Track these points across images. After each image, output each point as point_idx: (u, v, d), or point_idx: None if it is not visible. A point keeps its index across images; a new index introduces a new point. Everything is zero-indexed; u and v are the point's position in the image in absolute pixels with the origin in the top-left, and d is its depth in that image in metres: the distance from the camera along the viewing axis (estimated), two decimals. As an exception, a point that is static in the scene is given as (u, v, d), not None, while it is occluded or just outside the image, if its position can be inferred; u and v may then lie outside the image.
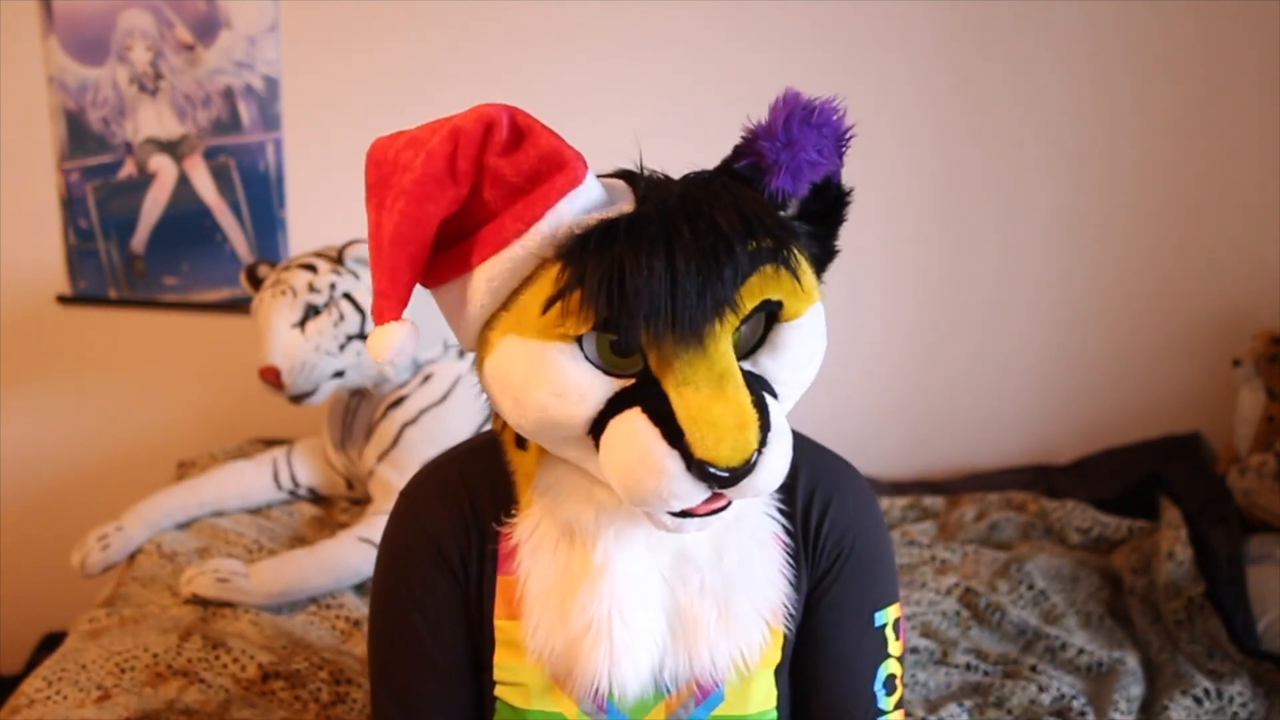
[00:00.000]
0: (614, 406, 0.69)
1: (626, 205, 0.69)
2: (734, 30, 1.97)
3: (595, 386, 0.69)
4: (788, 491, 0.85)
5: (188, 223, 2.05)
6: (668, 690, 0.79)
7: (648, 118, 1.97)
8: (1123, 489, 1.95)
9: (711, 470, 0.65)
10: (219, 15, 1.96)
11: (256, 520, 1.73)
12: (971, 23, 1.98)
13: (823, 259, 0.78)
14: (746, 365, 0.71)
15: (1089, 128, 2.04)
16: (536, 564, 0.79)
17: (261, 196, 2.04)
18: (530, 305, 0.69)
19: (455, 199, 0.68)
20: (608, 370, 0.69)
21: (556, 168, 0.69)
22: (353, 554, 1.53)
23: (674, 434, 0.66)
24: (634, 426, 0.67)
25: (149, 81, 1.99)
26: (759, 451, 0.66)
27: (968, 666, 1.48)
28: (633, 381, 0.69)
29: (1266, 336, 1.93)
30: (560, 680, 0.80)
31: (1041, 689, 1.39)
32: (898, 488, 2.08)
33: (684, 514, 0.70)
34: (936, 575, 1.70)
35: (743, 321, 0.69)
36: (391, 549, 0.88)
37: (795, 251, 0.70)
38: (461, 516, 0.84)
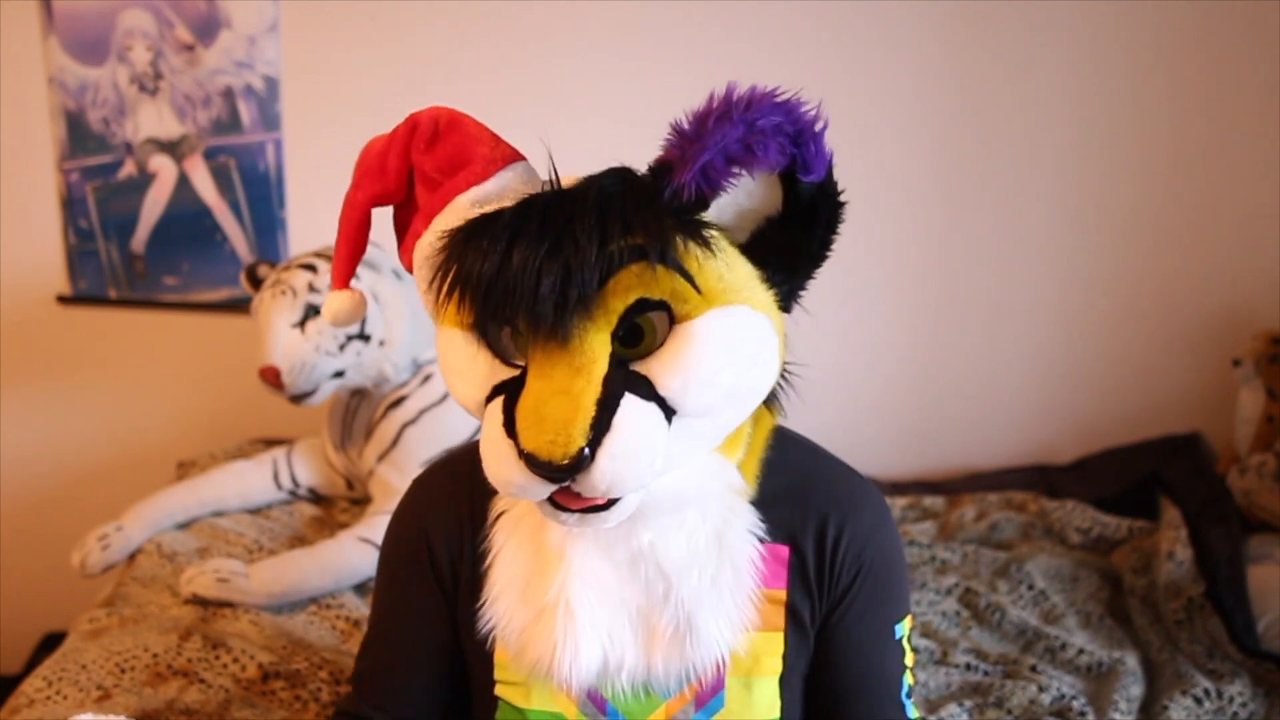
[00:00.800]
0: (495, 392, 0.71)
1: (510, 204, 0.70)
2: (735, 30, 1.97)
3: (483, 372, 0.72)
4: (799, 508, 0.84)
5: (188, 223, 2.05)
6: (625, 690, 0.80)
7: (647, 117, 1.95)
8: (1123, 489, 1.95)
9: (535, 461, 0.66)
10: (219, 15, 1.96)
11: (256, 520, 1.73)
12: (971, 23, 1.98)
13: (799, 262, 0.74)
14: (637, 366, 0.69)
15: (1089, 128, 2.04)
16: (512, 538, 0.81)
17: (261, 196, 2.04)
18: (430, 291, 0.74)
19: (382, 191, 0.77)
20: (507, 359, 0.71)
21: (462, 164, 0.73)
22: (353, 554, 1.53)
23: (513, 423, 0.68)
24: (491, 413, 0.70)
25: (149, 81, 1.99)
26: (589, 449, 0.65)
27: (968, 666, 1.48)
28: (517, 372, 0.71)
29: (1266, 336, 1.93)
30: (513, 656, 0.81)
31: (1041, 689, 1.39)
32: (898, 488, 2.08)
33: (561, 506, 0.70)
34: (936, 575, 1.70)
35: (631, 328, 0.68)
36: (388, 541, 0.92)
37: (682, 249, 0.68)
38: (458, 514, 0.86)
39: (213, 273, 2.08)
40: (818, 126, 0.67)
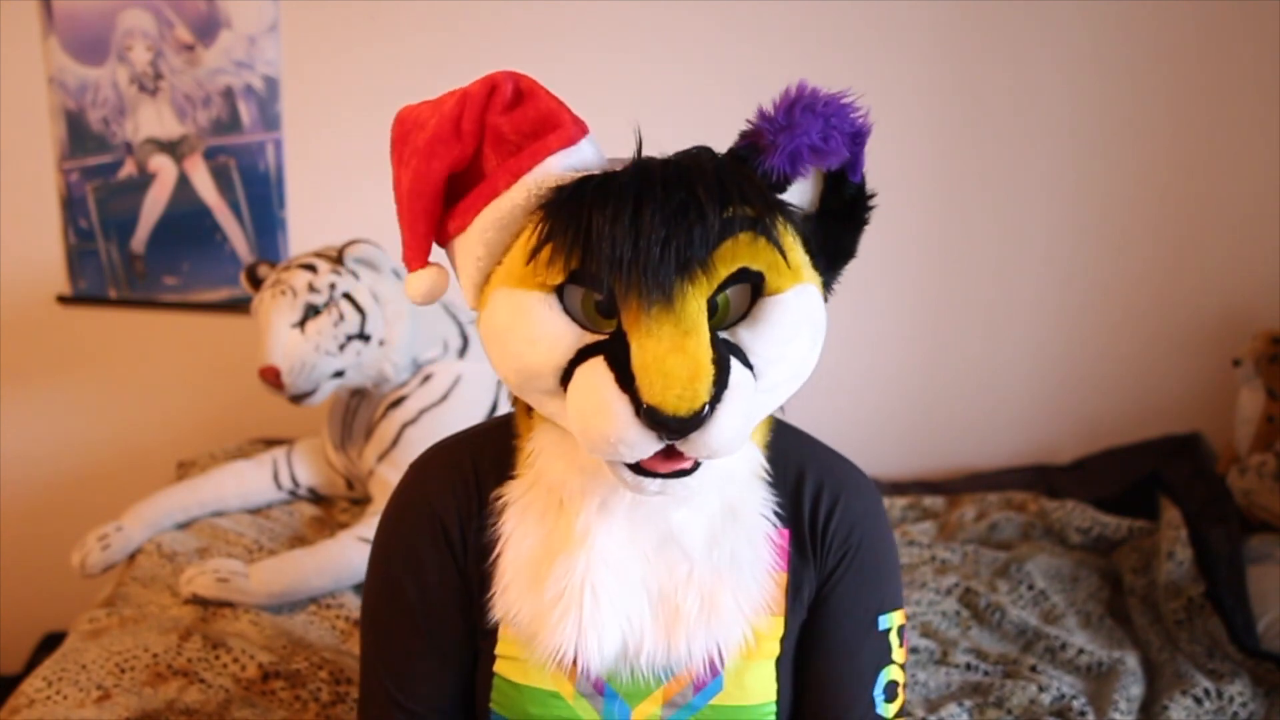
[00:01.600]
0: (582, 356, 0.71)
1: (615, 168, 0.71)
2: (737, 29, 1.97)
3: (566, 336, 0.71)
4: (795, 488, 0.85)
5: (188, 223, 2.05)
6: (645, 674, 0.80)
7: (649, 116, 1.95)
8: (1123, 489, 1.95)
9: (659, 417, 0.66)
10: (219, 15, 1.96)
11: (256, 520, 1.73)
12: (972, 24, 1.98)
13: (835, 257, 0.79)
14: (725, 335, 0.72)
15: (1090, 128, 2.04)
16: (520, 526, 0.81)
17: (261, 196, 2.04)
18: (516, 256, 0.73)
19: (460, 156, 0.73)
20: (585, 325, 0.72)
21: (551, 127, 0.73)
22: (353, 554, 1.53)
23: (627, 379, 0.68)
24: (593, 371, 0.70)
25: (149, 81, 1.99)
26: (710, 406, 0.67)
27: (968, 666, 1.48)
28: (605, 337, 0.71)
29: (1266, 336, 1.93)
30: (521, 646, 0.81)
31: (1041, 689, 1.39)
32: (898, 488, 2.08)
33: (644, 472, 0.70)
34: (936, 575, 1.70)
35: (720, 288, 0.70)
36: (393, 518, 0.90)
37: (780, 225, 0.71)
38: (466, 493, 0.86)
39: (213, 273, 2.08)
40: (868, 133, 0.73)
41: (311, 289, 1.59)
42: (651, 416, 0.66)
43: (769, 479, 0.83)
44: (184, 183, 2.04)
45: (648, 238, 0.66)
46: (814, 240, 0.76)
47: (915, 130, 2.04)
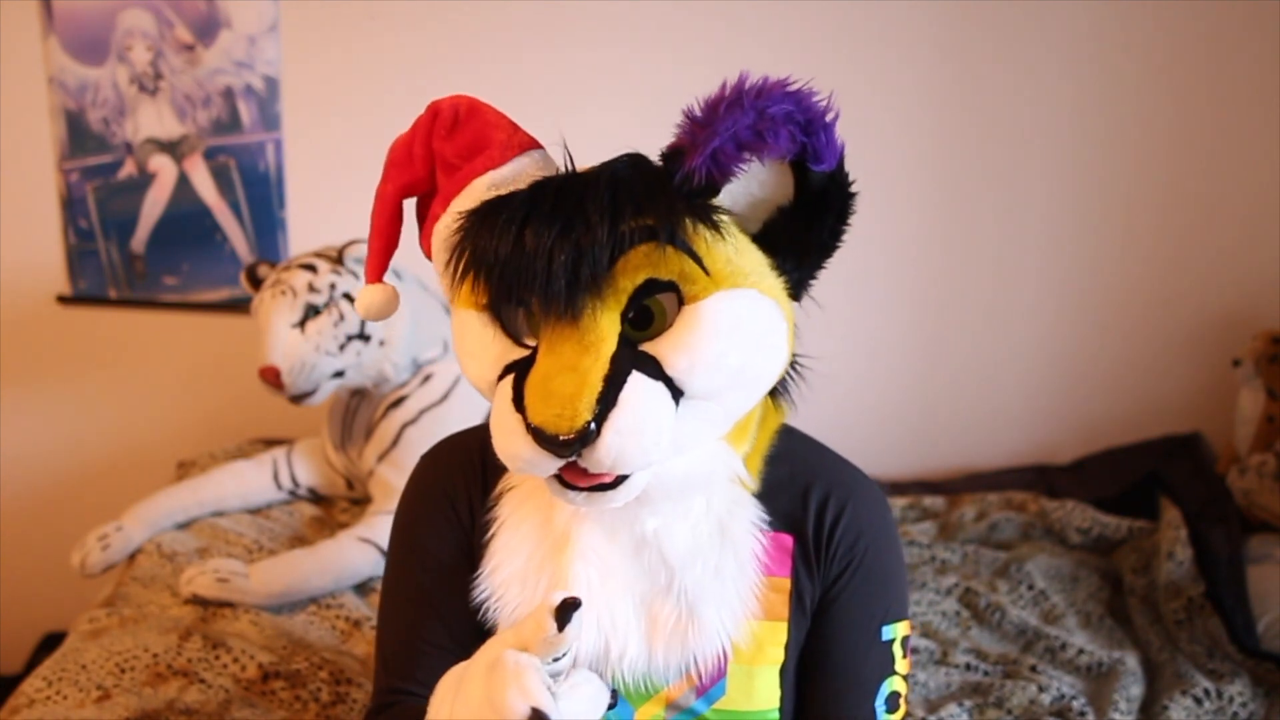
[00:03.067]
0: (506, 371, 0.72)
1: (524, 187, 0.72)
2: (737, 28, 1.97)
3: (494, 351, 0.73)
4: (802, 495, 0.84)
5: (188, 223, 2.05)
6: (625, 679, 0.80)
7: (648, 114, 1.95)
8: (1123, 489, 1.95)
9: (542, 436, 0.66)
10: (219, 15, 1.96)
11: (256, 520, 1.73)
12: (973, 23, 1.98)
13: (808, 252, 0.75)
14: (646, 347, 0.70)
15: (1090, 128, 2.04)
16: (516, 512, 0.82)
17: (261, 196, 2.04)
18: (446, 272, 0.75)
19: (411, 180, 0.78)
20: (519, 340, 0.73)
21: (480, 149, 0.75)
22: (353, 554, 1.53)
23: (521, 399, 0.69)
24: (502, 389, 0.71)
25: (149, 81, 1.99)
26: (595, 424, 0.66)
27: (968, 666, 1.48)
28: (528, 352, 0.72)
29: (1266, 336, 1.93)
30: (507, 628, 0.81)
31: (1041, 689, 1.39)
32: (898, 488, 2.08)
33: (569, 485, 0.70)
34: (936, 575, 1.70)
35: (638, 297, 0.69)
36: (408, 499, 0.92)
37: (689, 231, 0.69)
38: (472, 478, 0.87)
39: (213, 273, 2.08)
40: (829, 117, 0.69)
41: (311, 289, 1.59)
42: (536, 436, 0.67)
43: (765, 487, 0.82)
44: (184, 183, 2.04)
45: (532, 254, 0.66)
46: (782, 235, 0.74)
47: (915, 129, 2.04)
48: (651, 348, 0.70)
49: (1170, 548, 1.65)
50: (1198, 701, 1.38)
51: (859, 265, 2.06)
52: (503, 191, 0.72)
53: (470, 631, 0.87)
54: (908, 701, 0.88)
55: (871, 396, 2.18)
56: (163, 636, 1.37)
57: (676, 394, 0.70)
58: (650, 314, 0.70)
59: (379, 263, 0.81)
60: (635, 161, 0.72)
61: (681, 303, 0.70)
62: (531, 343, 0.72)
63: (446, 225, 0.74)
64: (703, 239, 0.69)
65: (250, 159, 2.02)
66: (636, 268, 0.68)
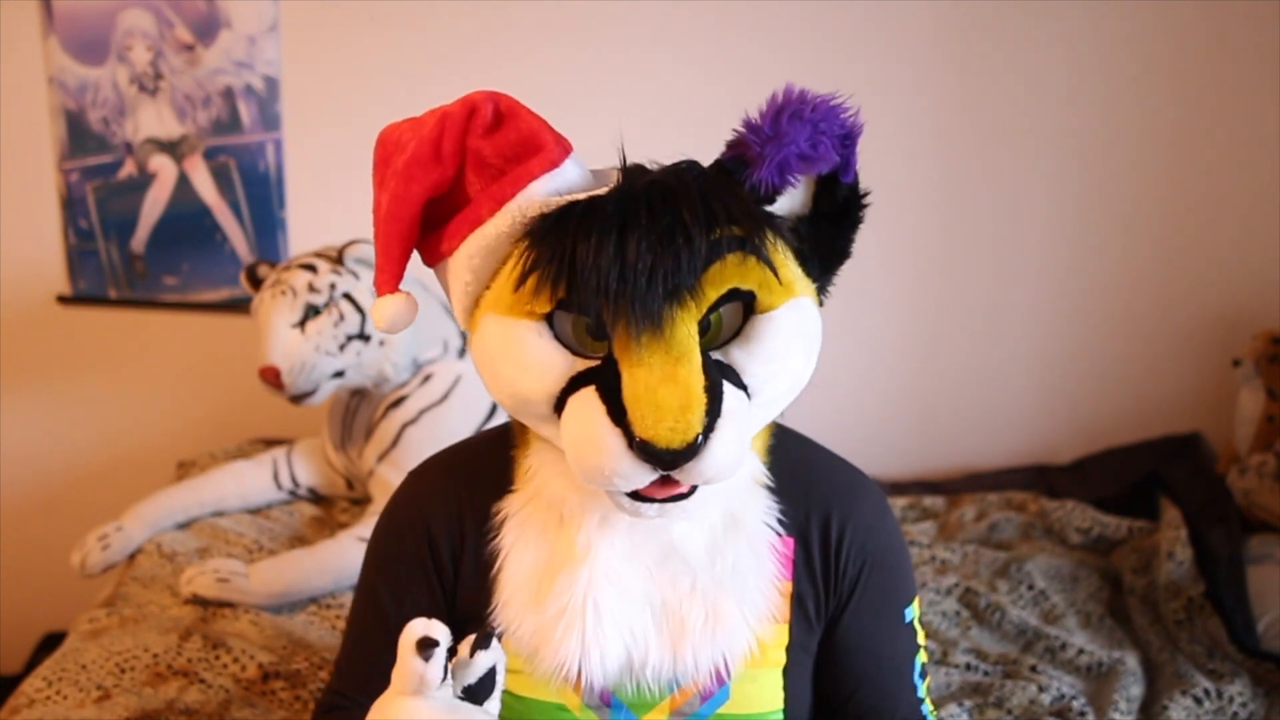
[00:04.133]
0: (574, 384, 0.71)
1: (600, 191, 0.70)
2: (737, 27, 1.97)
3: (558, 364, 0.71)
4: (802, 500, 0.84)
5: (188, 223, 2.05)
6: (651, 686, 0.79)
7: (649, 115, 1.97)
8: (1123, 489, 1.95)
9: (652, 450, 0.66)
10: (219, 15, 1.96)
11: (256, 520, 1.73)
12: (973, 22, 1.98)
13: (830, 259, 0.77)
14: (717, 355, 0.71)
15: (1090, 128, 2.04)
16: (520, 539, 0.80)
17: (261, 196, 2.04)
18: (504, 283, 0.72)
19: (440, 180, 0.72)
20: (576, 351, 0.71)
21: (533, 151, 0.72)
22: (353, 554, 1.53)
23: (619, 412, 0.67)
24: (585, 403, 0.69)
25: (149, 81, 1.99)
26: (703, 435, 0.66)
27: (968, 666, 1.48)
28: (597, 363, 0.70)
29: (1266, 336, 1.93)
30: (523, 661, 0.81)
31: (1041, 689, 1.39)
32: (898, 488, 2.08)
33: (641, 498, 0.70)
34: (936, 575, 1.70)
35: (711, 309, 0.70)
36: (383, 529, 0.91)
37: (770, 242, 0.70)
38: (459, 508, 0.85)
39: (213, 273, 2.08)
40: (859, 130, 0.71)
41: (311, 289, 1.59)
42: (645, 450, 0.66)
43: (771, 485, 0.83)
44: (184, 183, 2.04)
45: (634, 267, 0.66)
46: (807, 244, 0.75)
47: (915, 130, 2.03)
48: (724, 355, 0.71)
49: (1170, 548, 1.65)
50: (1198, 701, 1.38)
51: (859, 265, 2.04)
52: (566, 197, 0.70)
53: None
54: (927, 666, 0.91)
55: (871, 396, 2.18)
56: (163, 636, 1.37)
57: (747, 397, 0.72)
58: (708, 324, 0.71)
59: (397, 270, 0.75)
60: (703, 170, 0.72)
61: (748, 311, 0.71)
62: (588, 351, 0.71)
63: (501, 230, 0.71)
64: (779, 250, 0.71)
65: (250, 159, 2.02)
66: (725, 277, 0.69)
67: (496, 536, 0.82)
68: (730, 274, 0.69)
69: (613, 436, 0.67)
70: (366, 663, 0.89)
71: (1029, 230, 2.10)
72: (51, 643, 2.05)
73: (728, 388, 0.69)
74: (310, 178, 2.04)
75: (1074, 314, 2.14)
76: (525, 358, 0.71)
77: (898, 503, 1.97)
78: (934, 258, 2.12)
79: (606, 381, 0.69)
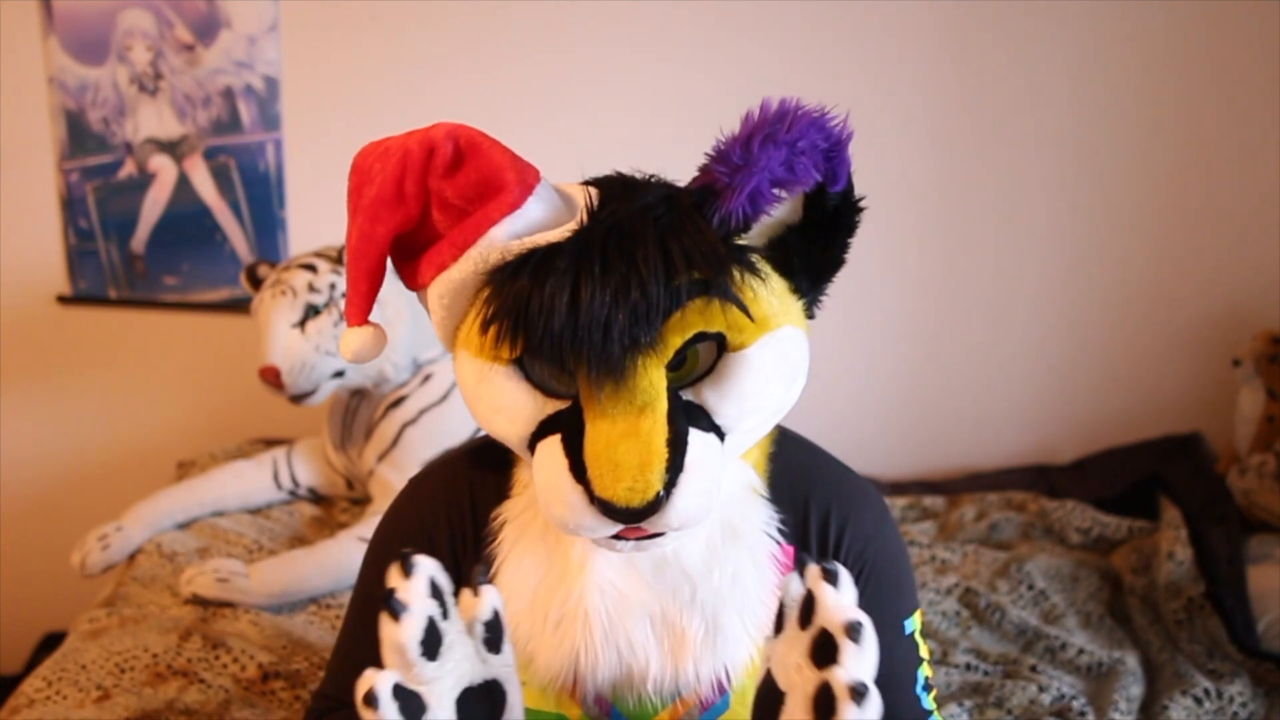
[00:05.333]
0: (544, 429, 0.70)
1: (557, 235, 0.68)
2: (737, 28, 1.97)
3: (528, 407, 0.70)
4: (801, 507, 0.84)
5: (188, 223, 2.05)
6: (651, 699, 0.79)
7: (649, 115, 1.97)
8: (1123, 489, 1.95)
9: (610, 509, 0.65)
10: (219, 15, 1.96)
11: (256, 520, 1.73)
12: (974, 22, 1.98)
13: (822, 269, 0.75)
14: (689, 395, 0.70)
15: (1090, 128, 2.04)
16: (518, 545, 0.80)
17: (261, 196, 2.04)
18: (472, 326, 0.71)
19: (405, 219, 0.71)
20: (548, 391, 0.70)
21: (493, 192, 0.69)
22: (353, 554, 1.53)
23: (580, 468, 0.67)
24: (549, 455, 0.69)
25: (149, 81, 1.99)
26: (665, 492, 0.66)
27: (968, 666, 1.48)
28: (568, 404, 0.69)
29: (1266, 336, 1.93)
30: (522, 666, 0.80)
31: (1041, 689, 1.39)
32: (898, 488, 2.08)
33: (616, 535, 0.69)
34: (936, 575, 1.70)
35: (678, 355, 0.68)
36: (383, 536, 0.90)
37: (737, 282, 0.68)
38: (460, 514, 0.85)
39: (213, 273, 2.08)
40: (847, 139, 0.68)
41: (311, 289, 1.59)
42: (603, 508, 0.66)
43: (770, 495, 0.82)
44: (184, 183, 2.04)
45: (587, 322, 0.64)
46: (796, 255, 0.73)
47: (915, 130, 2.03)
48: (695, 395, 0.70)
49: (1170, 548, 1.65)
50: (1198, 701, 1.38)
51: (859, 265, 2.04)
52: (526, 241, 0.68)
53: None
54: (931, 680, 0.90)
55: (872, 397, 2.18)
56: (163, 636, 1.37)
57: (721, 436, 0.70)
58: (683, 358, 0.69)
59: (365, 304, 0.75)
60: (671, 202, 0.69)
61: (721, 348, 0.69)
62: (562, 390, 0.70)
63: (465, 278, 0.70)
64: (749, 288, 0.69)
65: (250, 159, 2.02)
66: (689, 324, 0.67)
67: (495, 542, 0.81)
68: (693, 320, 0.67)
69: (574, 492, 0.67)
70: (361, 669, 0.88)
71: (1029, 230, 2.10)
72: (51, 643, 2.05)
73: (695, 437, 0.68)
74: (310, 178, 2.04)
75: (1074, 314, 2.14)
76: (496, 400, 0.71)
77: (898, 503, 1.97)
78: (934, 258, 2.12)
79: (571, 431, 0.68)
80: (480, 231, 0.69)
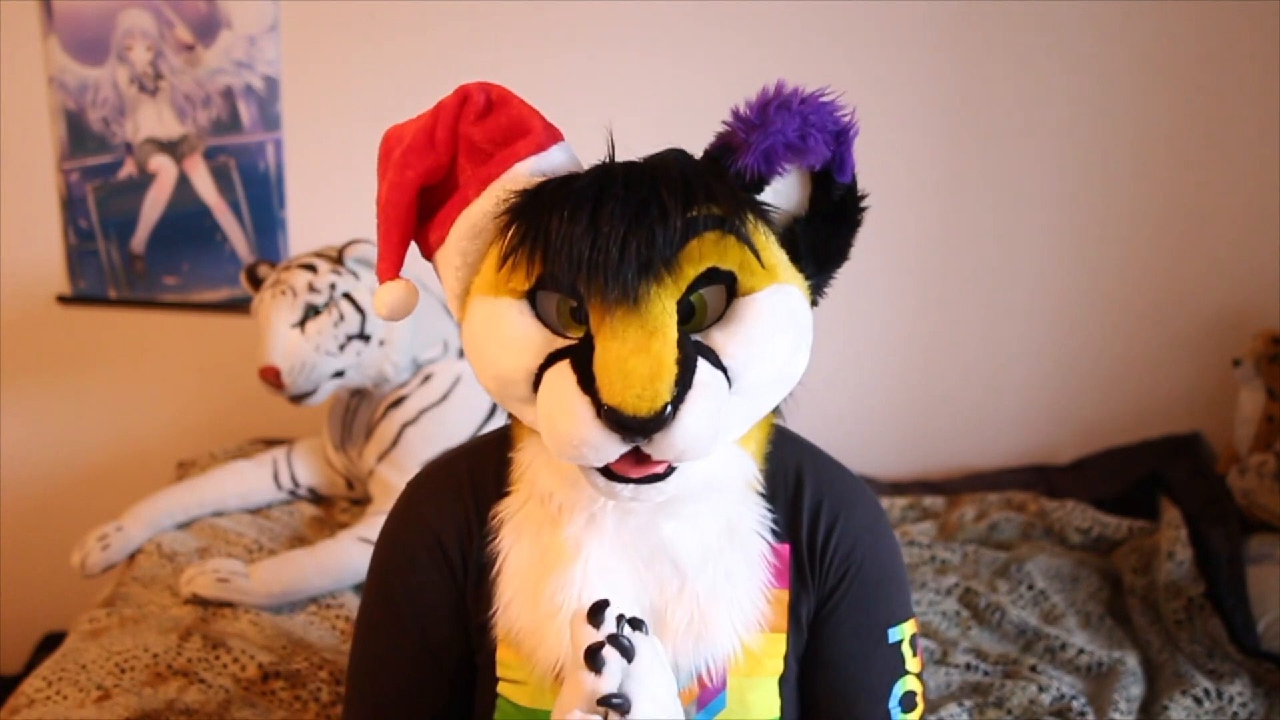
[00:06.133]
0: (551, 361, 0.71)
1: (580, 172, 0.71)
2: (737, 28, 1.97)
3: (536, 340, 0.71)
4: (794, 502, 0.84)
5: (188, 223, 2.05)
6: None
7: (649, 115, 1.96)
8: (1123, 489, 1.95)
9: (619, 417, 0.65)
10: (219, 15, 1.96)
11: (256, 520, 1.73)
12: (973, 22, 1.98)
13: (826, 260, 0.77)
14: (698, 337, 0.71)
15: (1090, 128, 2.04)
16: (518, 542, 0.80)
17: (261, 196, 2.04)
18: (489, 264, 0.73)
19: (434, 165, 0.74)
20: (558, 331, 0.72)
21: (521, 134, 0.73)
22: (353, 554, 1.53)
23: (589, 380, 0.67)
24: (558, 374, 0.69)
25: (149, 81, 1.99)
26: (672, 406, 0.66)
27: (968, 666, 1.48)
28: (575, 341, 0.71)
29: (1266, 336, 1.93)
30: (523, 660, 0.81)
31: (1041, 689, 1.39)
32: (898, 488, 2.08)
33: (616, 477, 0.70)
34: (936, 575, 1.71)
35: (691, 289, 0.69)
36: (390, 537, 0.89)
37: (751, 223, 0.70)
38: (464, 511, 0.85)
39: (213, 273, 2.08)
40: (854, 129, 0.71)
41: (311, 289, 1.59)
42: (612, 417, 0.66)
43: (765, 491, 0.82)
44: (184, 183, 2.04)
45: (606, 237, 0.66)
46: (802, 243, 0.75)
47: (915, 129, 2.04)
48: (705, 338, 0.71)
49: (1170, 548, 1.65)
50: (1198, 701, 1.38)
51: (859, 265, 2.04)
52: (552, 176, 0.71)
53: (460, 674, 0.87)
54: (925, 698, 0.88)
55: (872, 396, 2.18)
56: (163, 636, 1.37)
57: (727, 381, 0.71)
58: (692, 308, 0.70)
59: (397, 256, 0.77)
60: (688, 154, 0.72)
61: (731, 296, 0.71)
62: (573, 334, 0.71)
63: (487, 210, 0.73)
64: (760, 233, 0.71)
65: (250, 159, 2.02)
66: (702, 255, 0.69)
67: (495, 539, 0.82)
68: (708, 252, 0.69)
69: (581, 404, 0.67)
70: (398, 679, 0.87)
71: (1029, 230, 2.10)
72: (51, 643, 2.05)
73: (702, 364, 0.68)
74: (310, 178, 2.04)
75: (1073, 314, 2.14)
76: (506, 334, 0.72)
77: (897, 503, 1.97)
78: (934, 258, 2.12)
79: (581, 355, 0.69)
80: (505, 166, 0.73)
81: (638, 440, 0.67)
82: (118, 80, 1.99)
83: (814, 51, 1.99)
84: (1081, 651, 1.50)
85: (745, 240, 0.70)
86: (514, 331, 0.71)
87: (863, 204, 0.76)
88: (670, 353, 0.67)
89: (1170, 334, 2.15)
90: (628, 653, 0.66)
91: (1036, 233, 2.10)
